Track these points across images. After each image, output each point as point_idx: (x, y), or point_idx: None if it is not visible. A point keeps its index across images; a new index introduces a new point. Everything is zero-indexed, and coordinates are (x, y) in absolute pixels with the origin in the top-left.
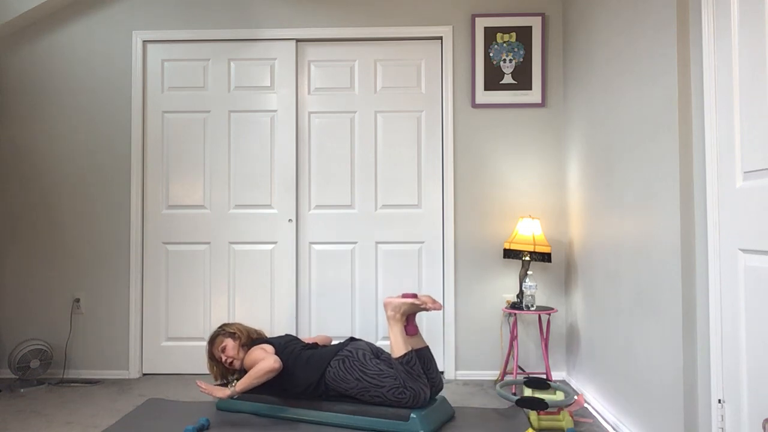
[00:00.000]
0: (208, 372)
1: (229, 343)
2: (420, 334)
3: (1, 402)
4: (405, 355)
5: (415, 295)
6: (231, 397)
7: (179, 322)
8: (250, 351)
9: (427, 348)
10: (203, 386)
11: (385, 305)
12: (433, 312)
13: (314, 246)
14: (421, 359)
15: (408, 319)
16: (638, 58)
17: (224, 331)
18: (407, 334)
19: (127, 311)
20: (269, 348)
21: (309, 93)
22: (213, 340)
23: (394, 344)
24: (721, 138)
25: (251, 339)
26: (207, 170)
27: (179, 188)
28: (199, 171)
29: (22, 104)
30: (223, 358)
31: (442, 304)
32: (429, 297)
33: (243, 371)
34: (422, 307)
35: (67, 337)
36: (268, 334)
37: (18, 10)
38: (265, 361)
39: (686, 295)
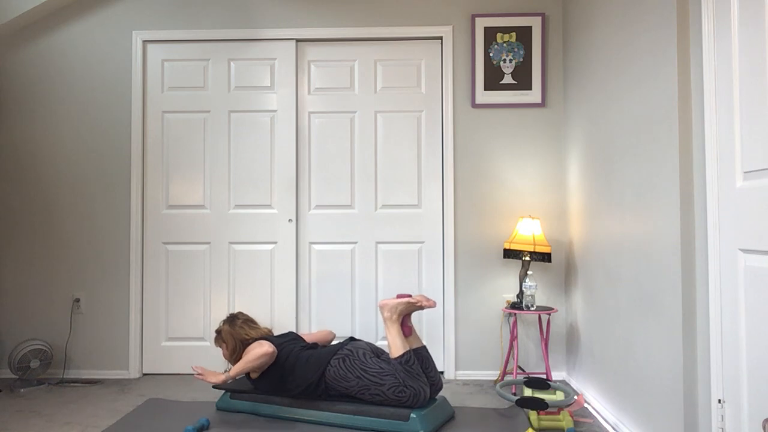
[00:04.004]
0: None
1: (222, 348)
2: (416, 334)
3: (1, 402)
4: (403, 354)
5: (409, 296)
6: (225, 381)
7: (179, 322)
8: (248, 348)
9: (424, 347)
10: (198, 370)
11: (381, 307)
12: (432, 311)
13: (314, 246)
14: (419, 358)
15: (403, 320)
16: (638, 58)
17: (220, 334)
18: (404, 334)
19: (127, 311)
20: (267, 343)
21: (309, 93)
22: (217, 335)
23: (392, 345)
24: (721, 138)
25: (245, 342)
26: (207, 170)
27: (179, 188)
28: (199, 171)
29: (21, 104)
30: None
31: (436, 301)
32: (422, 296)
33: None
34: (417, 305)
35: (67, 337)
36: None
37: (18, 10)
38: (260, 347)
39: (686, 295)
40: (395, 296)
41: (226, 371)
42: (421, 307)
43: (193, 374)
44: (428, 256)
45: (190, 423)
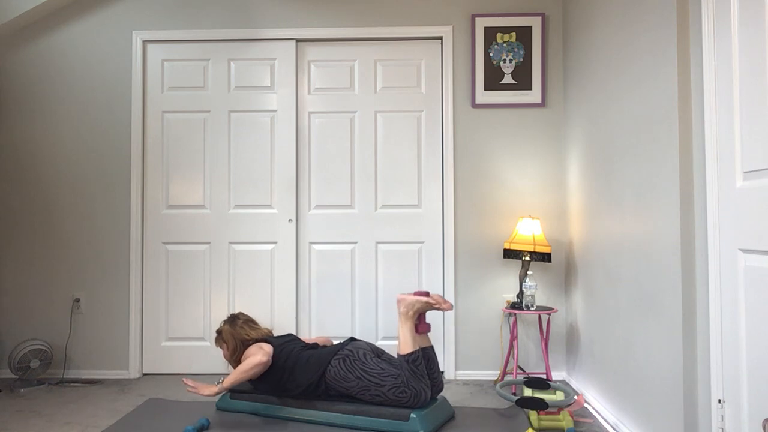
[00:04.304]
0: (208, 372)
1: (223, 349)
2: (427, 334)
3: (1, 402)
4: (412, 353)
5: (427, 294)
6: (218, 393)
7: (179, 322)
8: (247, 350)
9: (432, 348)
10: (190, 384)
11: (399, 302)
12: (437, 312)
13: (314, 246)
14: (425, 358)
15: (419, 318)
16: (638, 58)
17: (220, 334)
18: (419, 332)
19: (127, 311)
20: (266, 347)
21: (309, 93)
22: (217, 335)
23: (403, 341)
24: (721, 138)
25: (245, 342)
26: (207, 170)
27: (179, 188)
28: (199, 171)
29: (21, 104)
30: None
31: (452, 304)
32: (440, 296)
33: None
34: (435, 306)
35: (67, 337)
36: None
37: (18, 10)
38: (253, 356)
39: (686, 295)
40: (413, 293)
41: (219, 383)
42: (440, 309)
43: (193, 374)
44: (428, 256)
45: (190, 423)
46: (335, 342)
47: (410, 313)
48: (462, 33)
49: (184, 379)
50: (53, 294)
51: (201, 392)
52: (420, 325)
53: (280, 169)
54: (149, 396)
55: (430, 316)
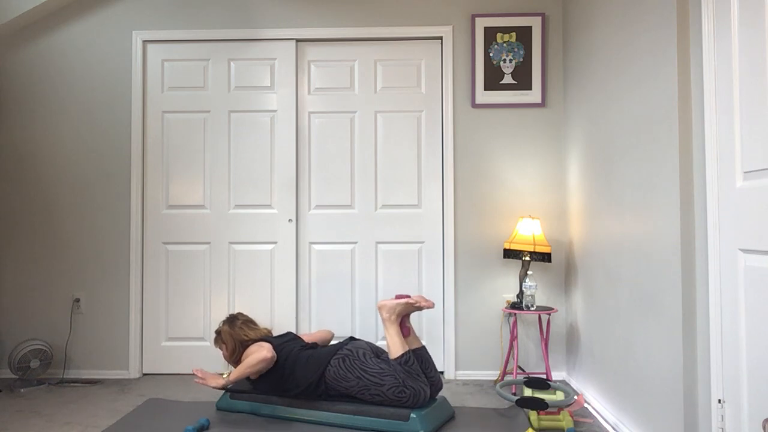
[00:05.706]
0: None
1: (222, 349)
2: (415, 335)
3: (1, 402)
4: (402, 355)
5: (408, 296)
6: (225, 386)
7: (179, 322)
8: (248, 349)
9: (423, 348)
10: (199, 374)
11: (380, 308)
12: (432, 311)
13: (314, 246)
14: (419, 359)
15: (402, 320)
16: (638, 58)
17: (219, 335)
18: (402, 335)
19: (127, 311)
20: (266, 345)
21: (309, 93)
22: (216, 336)
23: (391, 345)
24: (721, 138)
25: (244, 343)
26: (207, 170)
27: (179, 188)
28: (199, 171)
29: (21, 104)
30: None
31: (434, 302)
32: (421, 296)
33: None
34: (416, 306)
35: (67, 337)
36: None
37: (18, 10)
38: (258, 351)
39: (686, 295)
40: (394, 297)
41: (226, 375)
42: (420, 308)
43: (193, 375)
44: (428, 256)
45: (190, 423)
46: (335, 340)
47: (392, 317)
48: (462, 33)
49: (194, 369)
50: (53, 294)
51: (209, 383)
52: (402, 328)
53: (280, 169)
54: (149, 396)
55: (430, 317)
